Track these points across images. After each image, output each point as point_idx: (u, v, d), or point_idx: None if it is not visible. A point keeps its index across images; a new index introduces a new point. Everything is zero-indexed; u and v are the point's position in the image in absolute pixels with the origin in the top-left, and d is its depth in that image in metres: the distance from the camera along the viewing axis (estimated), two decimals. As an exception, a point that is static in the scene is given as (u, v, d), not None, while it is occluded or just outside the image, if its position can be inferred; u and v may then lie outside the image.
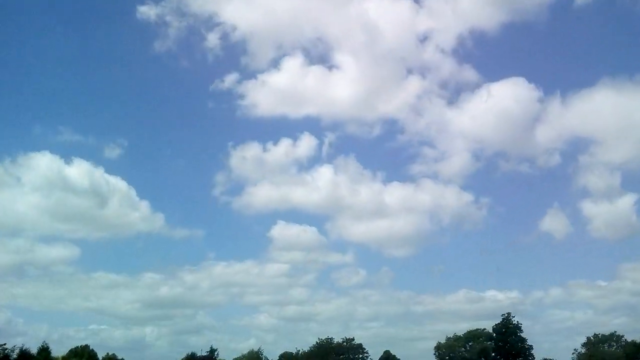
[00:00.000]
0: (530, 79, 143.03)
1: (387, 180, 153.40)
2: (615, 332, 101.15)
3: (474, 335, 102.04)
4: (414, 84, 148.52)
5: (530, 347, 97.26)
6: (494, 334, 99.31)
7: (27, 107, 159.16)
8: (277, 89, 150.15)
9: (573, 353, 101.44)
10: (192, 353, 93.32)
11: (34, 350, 79.41)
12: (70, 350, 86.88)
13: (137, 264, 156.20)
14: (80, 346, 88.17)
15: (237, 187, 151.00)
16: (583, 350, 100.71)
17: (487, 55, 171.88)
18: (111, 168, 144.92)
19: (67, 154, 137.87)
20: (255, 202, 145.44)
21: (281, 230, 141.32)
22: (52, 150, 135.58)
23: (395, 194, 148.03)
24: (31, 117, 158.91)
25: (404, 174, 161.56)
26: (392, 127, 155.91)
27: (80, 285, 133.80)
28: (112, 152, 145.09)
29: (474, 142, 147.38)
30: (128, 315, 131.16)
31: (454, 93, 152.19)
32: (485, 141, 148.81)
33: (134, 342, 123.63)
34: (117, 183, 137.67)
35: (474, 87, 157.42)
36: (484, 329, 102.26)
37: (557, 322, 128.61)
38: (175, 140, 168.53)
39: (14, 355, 76.59)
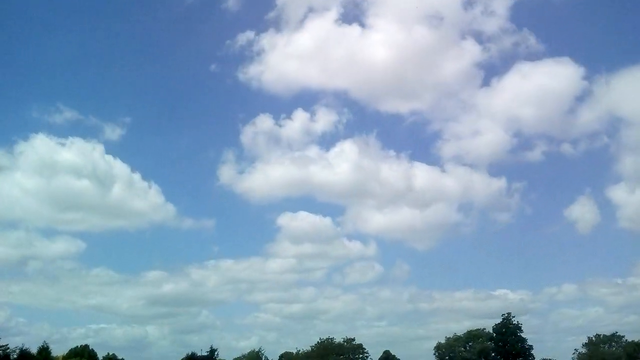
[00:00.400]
0: (575, 57, 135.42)
1: (412, 163, 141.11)
2: (617, 332, 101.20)
3: (474, 335, 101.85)
4: (456, 54, 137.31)
5: (530, 347, 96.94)
6: (494, 334, 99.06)
7: (19, 84, 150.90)
8: (299, 53, 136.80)
9: (574, 353, 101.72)
10: (192, 353, 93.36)
11: (34, 350, 79.85)
12: (71, 350, 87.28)
13: (140, 259, 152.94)
14: (80, 346, 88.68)
15: (245, 171, 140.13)
16: (584, 351, 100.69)
17: (540, 25, 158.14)
18: (113, 150, 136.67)
19: (65, 135, 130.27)
20: (264, 188, 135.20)
21: (291, 221, 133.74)
22: (49, 132, 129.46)
23: (421, 178, 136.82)
24: (25, 96, 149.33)
25: (431, 156, 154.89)
26: (422, 103, 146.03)
27: (80, 282, 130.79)
28: (114, 132, 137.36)
29: (510, 122, 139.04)
30: (129, 314, 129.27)
31: (494, 69, 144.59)
32: (522, 122, 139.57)
33: (136, 341, 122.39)
34: (120, 167, 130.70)
35: (515, 63, 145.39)
36: (484, 329, 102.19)
37: (567, 320, 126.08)
38: (182, 115, 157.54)
39: (14, 355, 76.96)
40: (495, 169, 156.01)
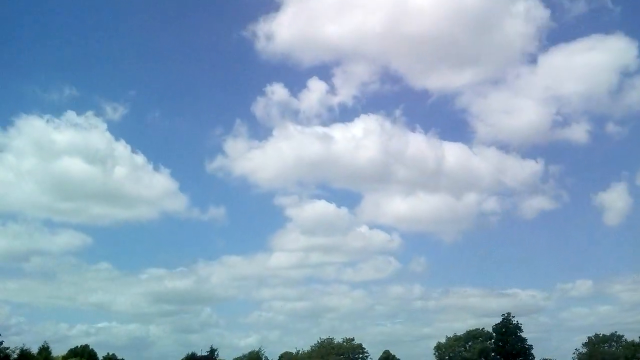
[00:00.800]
0: (627, 31, 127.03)
1: (442, 143, 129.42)
2: (616, 332, 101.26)
3: (473, 335, 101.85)
4: (506, 20, 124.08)
5: (530, 347, 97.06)
6: (494, 334, 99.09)
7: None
8: (322, 9, 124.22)
9: (574, 353, 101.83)
10: (192, 353, 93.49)
11: (34, 350, 79.86)
12: (70, 350, 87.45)
13: (142, 253, 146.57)
14: (80, 346, 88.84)
15: (253, 149, 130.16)
16: (584, 350, 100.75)
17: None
18: (115, 130, 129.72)
19: (62, 114, 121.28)
20: (273, 171, 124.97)
21: (301, 210, 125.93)
22: (44, 113, 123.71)
23: (450, 160, 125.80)
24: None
25: (463, 136, 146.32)
26: (460, 76, 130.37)
27: (80, 278, 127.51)
28: (116, 112, 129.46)
29: (553, 99, 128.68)
30: (131, 312, 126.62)
31: (540, 42, 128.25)
32: (565, 99, 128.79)
33: (138, 339, 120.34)
34: (121, 148, 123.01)
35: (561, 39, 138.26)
36: (484, 328, 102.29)
37: (579, 319, 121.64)
38: (188, 87, 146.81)
39: (15, 355, 76.87)
40: (531, 150, 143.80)
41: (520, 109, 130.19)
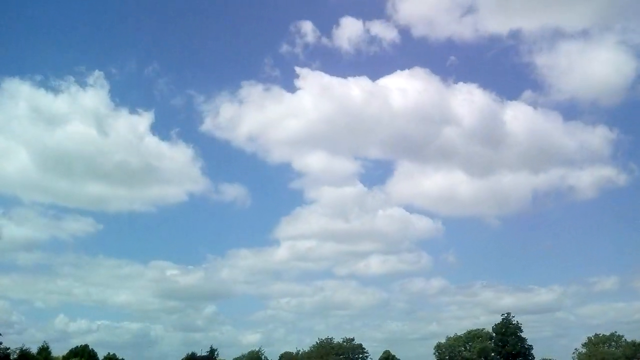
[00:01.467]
0: None
1: (501, 105, 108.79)
2: (615, 332, 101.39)
3: (473, 336, 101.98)
4: None
5: (530, 347, 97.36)
6: (494, 334, 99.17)
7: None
8: None
9: (573, 353, 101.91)
10: (192, 353, 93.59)
11: (33, 350, 79.77)
12: (70, 350, 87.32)
13: (146, 246, 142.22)
14: (80, 346, 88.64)
15: (267, 115, 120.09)
16: (583, 350, 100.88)
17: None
18: (118, 92, 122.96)
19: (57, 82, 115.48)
20: (290, 139, 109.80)
21: (319, 188, 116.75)
22: (35, 78, 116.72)
23: (508, 125, 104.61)
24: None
25: (523, 95, 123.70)
26: (526, 20, 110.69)
27: (82, 273, 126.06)
28: (118, 70, 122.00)
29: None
30: (134, 309, 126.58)
31: None
32: None
33: (140, 337, 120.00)
34: (124, 114, 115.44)
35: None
36: (484, 329, 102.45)
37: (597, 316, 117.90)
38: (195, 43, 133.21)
39: (15, 355, 76.72)
40: (604, 115, 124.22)
41: (596, 65, 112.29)
